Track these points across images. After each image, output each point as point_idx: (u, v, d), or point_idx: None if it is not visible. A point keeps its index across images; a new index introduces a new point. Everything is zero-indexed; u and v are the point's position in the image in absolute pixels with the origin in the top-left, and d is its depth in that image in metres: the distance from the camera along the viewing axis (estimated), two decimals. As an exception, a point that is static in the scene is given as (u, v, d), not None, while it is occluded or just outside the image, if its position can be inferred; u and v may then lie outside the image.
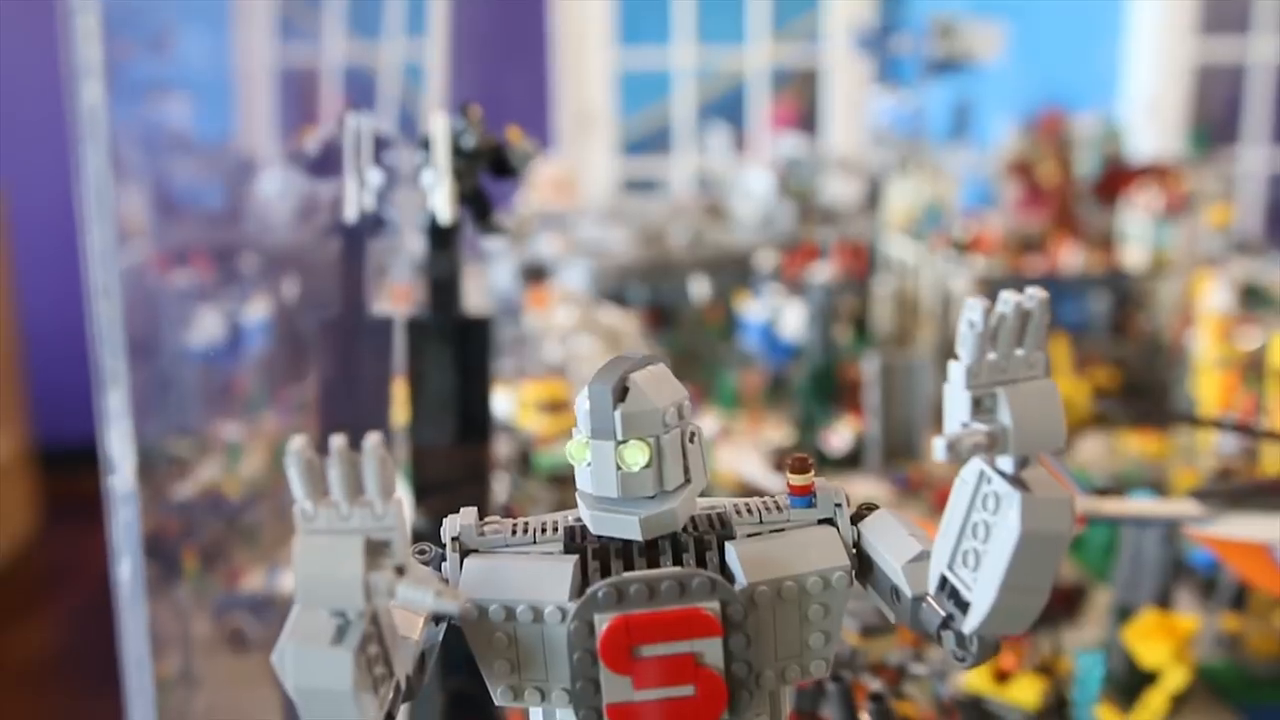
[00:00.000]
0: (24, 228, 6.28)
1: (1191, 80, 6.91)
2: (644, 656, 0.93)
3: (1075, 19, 6.59)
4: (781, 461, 2.33)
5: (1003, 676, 2.00)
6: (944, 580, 0.94)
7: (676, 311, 3.94)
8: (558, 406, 2.98)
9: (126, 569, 0.75)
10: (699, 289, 3.87)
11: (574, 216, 4.30)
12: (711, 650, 0.94)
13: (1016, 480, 0.87)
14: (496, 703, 0.99)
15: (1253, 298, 3.43)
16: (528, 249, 4.01)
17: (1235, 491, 1.66)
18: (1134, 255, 3.68)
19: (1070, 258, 3.69)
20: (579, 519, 1.02)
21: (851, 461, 3.08)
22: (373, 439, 0.82)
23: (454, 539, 1.01)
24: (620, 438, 0.95)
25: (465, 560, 1.00)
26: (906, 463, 3.05)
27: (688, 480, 0.99)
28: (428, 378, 1.82)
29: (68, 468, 6.51)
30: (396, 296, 3.54)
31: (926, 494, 2.90)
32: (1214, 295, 2.87)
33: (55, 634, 5.24)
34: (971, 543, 0.90)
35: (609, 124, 6.67)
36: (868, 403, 3.08)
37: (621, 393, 0.96)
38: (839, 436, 3.03)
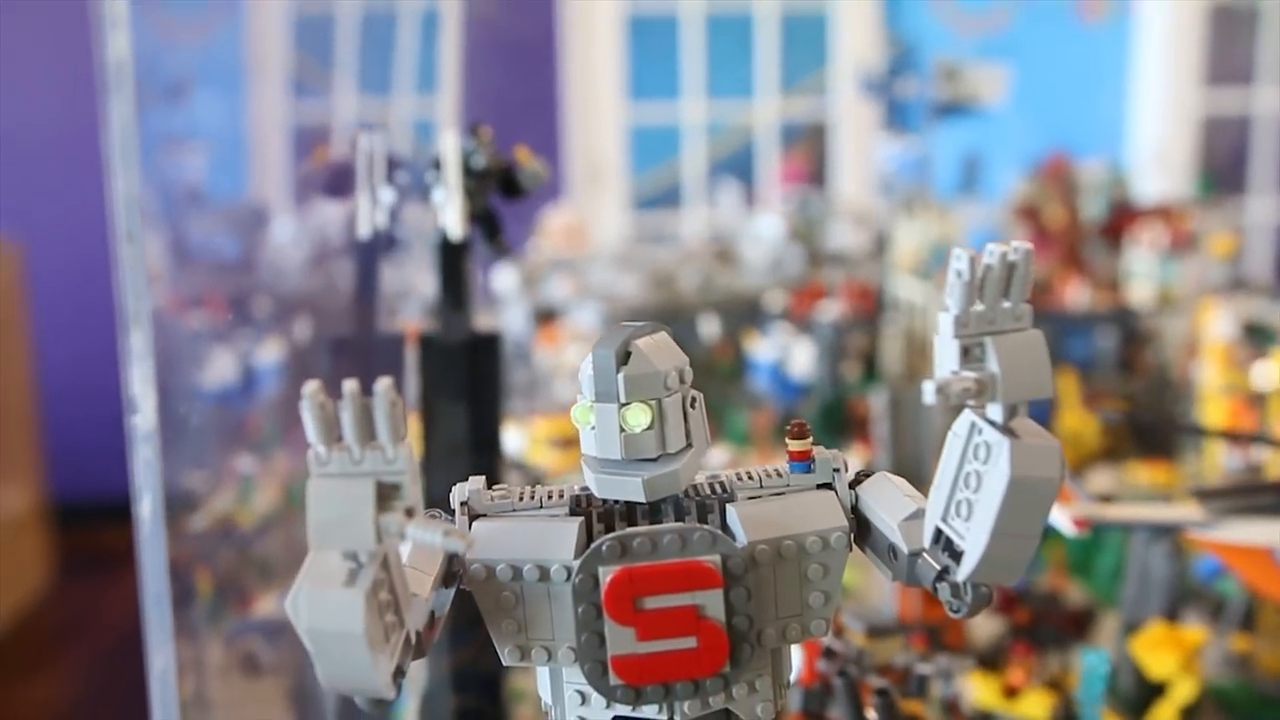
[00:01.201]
0: (41, 284, 6.34)
1: (1198, 131, 6.96)
2: (647, 608, 0.95)
3: (1080, 68, 6.66)
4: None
5: (1012, 692, 2.01)
6: (939, 533, 0.96)
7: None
8: (569, 442, 3.01)
9: (147, 506, 0.78)
10: (708, 328, 3.90)
11: (584, 262, 4.35)
12: (713, 603, 0.96)
13: (1006, 429, 0.90)
14: (505, 663, 1.02)
15: (1256, 335, 3.45)
16: (539, 292, 4.05)
17: (1235, 490, 1.68)
18: (1140, 292, 3.71)
19: (1077, 295, 3.72)
20: (584, 488, 1.05)
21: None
22: (383, 383, 0.85)
23: (463, 504, 1.04)
24: (623, 400, 0.98)
25: (473, 523, 1.03)
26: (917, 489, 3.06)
27: (690, 444, 1.02)
28: (438, 393, 1.85)
29: (82, 522, 6.53)
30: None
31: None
32: (1219, 324, 2.90)
33: (69, 687, 5.23)
34: (964, 493, 0.93)
35: (619, 177, 6.74)
36: (877, 435, 3.10)
37: (625, 356, 0.99)
38: (850, 463, 3.05)
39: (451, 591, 1.04)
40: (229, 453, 3.15)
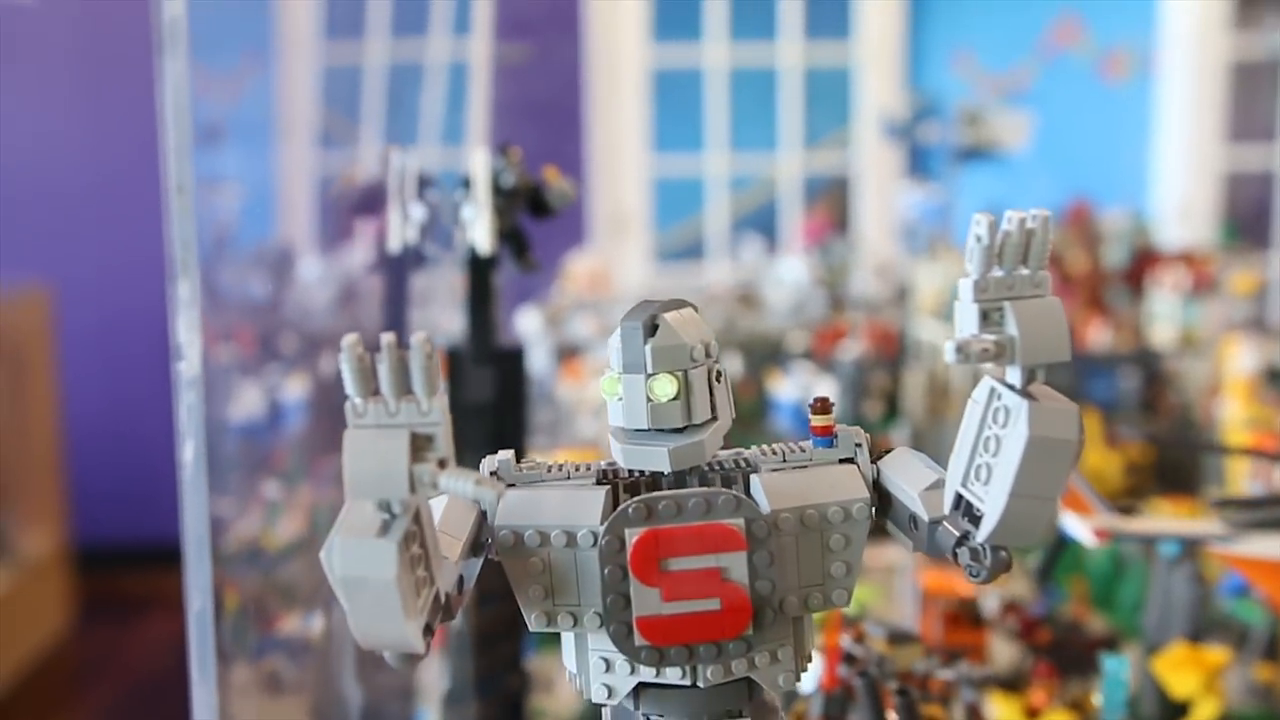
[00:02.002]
0: (70, 328, 6.39)
1: (1221, 186, 6.99)
2: (672, 570, 0.97)
3: (1102, 123, 6.70)
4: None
5: (1033, 713, 2.01)
6: (958, 499, 0.98)
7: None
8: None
9: (190, 451, 0.81)
10: (731, 367, 3.92)
11: (608, 304, 4.38)
12: (736, 565, 0.98)
13: (1025, 393, 0.92)
14: (531, 629, 1.03)
15: (1276, 380, 3.45)
16: (563, 332, 4.08)
17: (1256, 500, 1.69)
18: (1162, 334, 3.72)
19: (1099, 336, 3.73)
20: (610, 462, 1.07)
21: (880, 529, 3.09)
22: (419, 336, 0.87)
23: (492, 473, 1.06)
24: (650, 370, 1.01)
25: (503, 494, 1.05)
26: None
27: (715, 417, 1.04)
28: (464, 405, 1.88)
29: (105, 566, 6.56)
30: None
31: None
32: (1241, 359, 2.91)
33: (88, 731, 5.26)
34: (984, 458, 0.95)
35: (643, 229, 6.79)
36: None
37: (652, 329, 1.01)
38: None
39: (479, 561, 1.06)
40: (255, 481, 3.18)
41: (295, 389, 3.60)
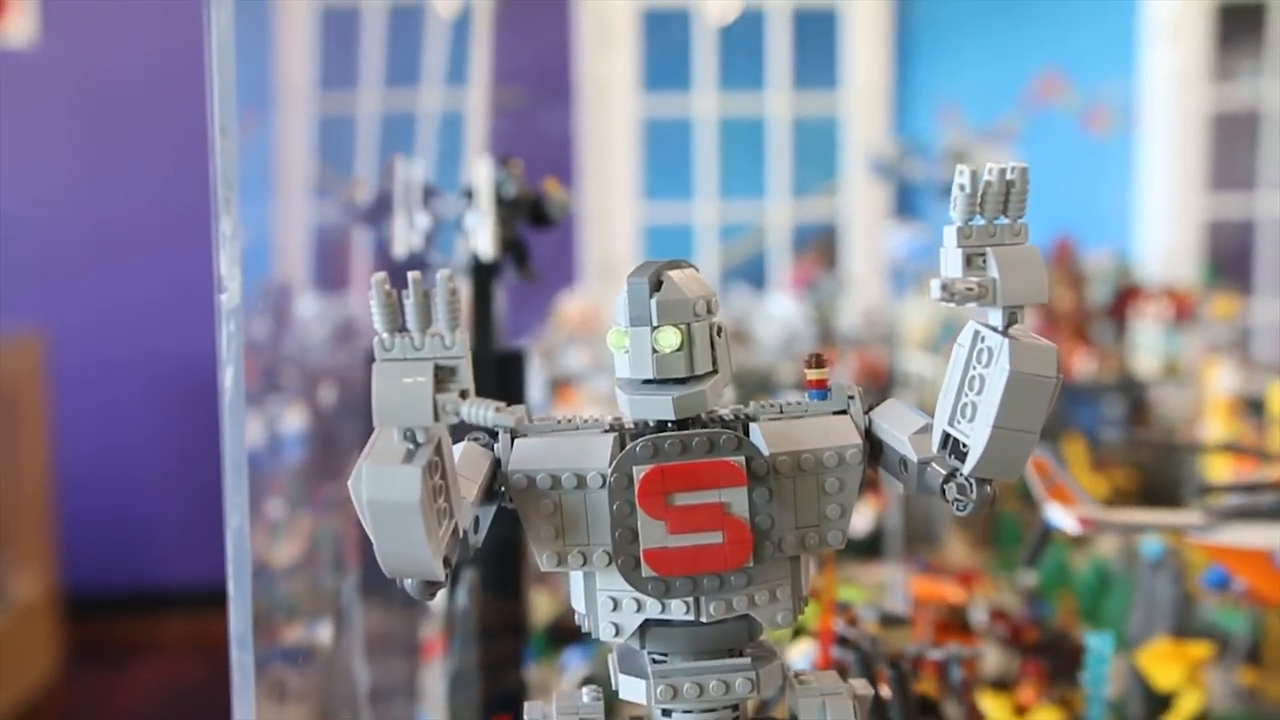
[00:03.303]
0: (62, 374, 6.41)
1: (1203, 234, 7.10)
2: (677, 504, 1.04)
3: (1086, 173, 6.79)
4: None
5: (1021, 711, 2.07)
6: (946, 438, 1.04)
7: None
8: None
9: (229, 377, 0.87)
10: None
11: (600, 340, 4.45)
12: (738, 500, 1.04)
13: (1006, 334, 0.99)
14: (543, 569, 1.09)
15: (1255, 410, 3.52)
16: (556, 364, 4.14)
17: (1238, 486, 1.76)
18: (1145, 363, 3.79)
19: (1084, 366, 3.81)
20: (616, 417, 1.14)
21: (872, 548, 3.15)
22: (443, 273, 0.94)
23: None
24: (655, 323, 1.08)
25: (515, 441, 1.12)
26: (928, 548, 3.12)
27: (715, 370, 1.11)
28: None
29: (94, 613, 6.55)
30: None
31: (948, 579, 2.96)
32: (1222, 380, 2.98)
33: (74, 777, 5.26)
34: (969, 396, 1.01)
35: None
36: (889, 493, 3.16)
37: (657, 284, 1.08)
38: (860, 517, 3.11)
39: (493, 510, 1.12)
40: (258, 502, 3.23)
41: (294, 420, 3.65)
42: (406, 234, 1.94)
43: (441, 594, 1.70)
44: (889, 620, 1.71)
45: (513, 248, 2.06)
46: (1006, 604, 2.56)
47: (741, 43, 7.06)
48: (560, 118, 6.71)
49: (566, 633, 2.51)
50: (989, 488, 1.02)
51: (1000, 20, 6.83)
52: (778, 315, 4.60)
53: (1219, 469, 2.89)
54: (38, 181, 6.65)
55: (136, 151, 6.69)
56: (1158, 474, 3.62)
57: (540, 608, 2.55)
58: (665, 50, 7.11)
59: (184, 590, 6.82)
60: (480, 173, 1.96)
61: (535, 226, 2.08)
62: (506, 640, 1.96)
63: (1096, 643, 1.61)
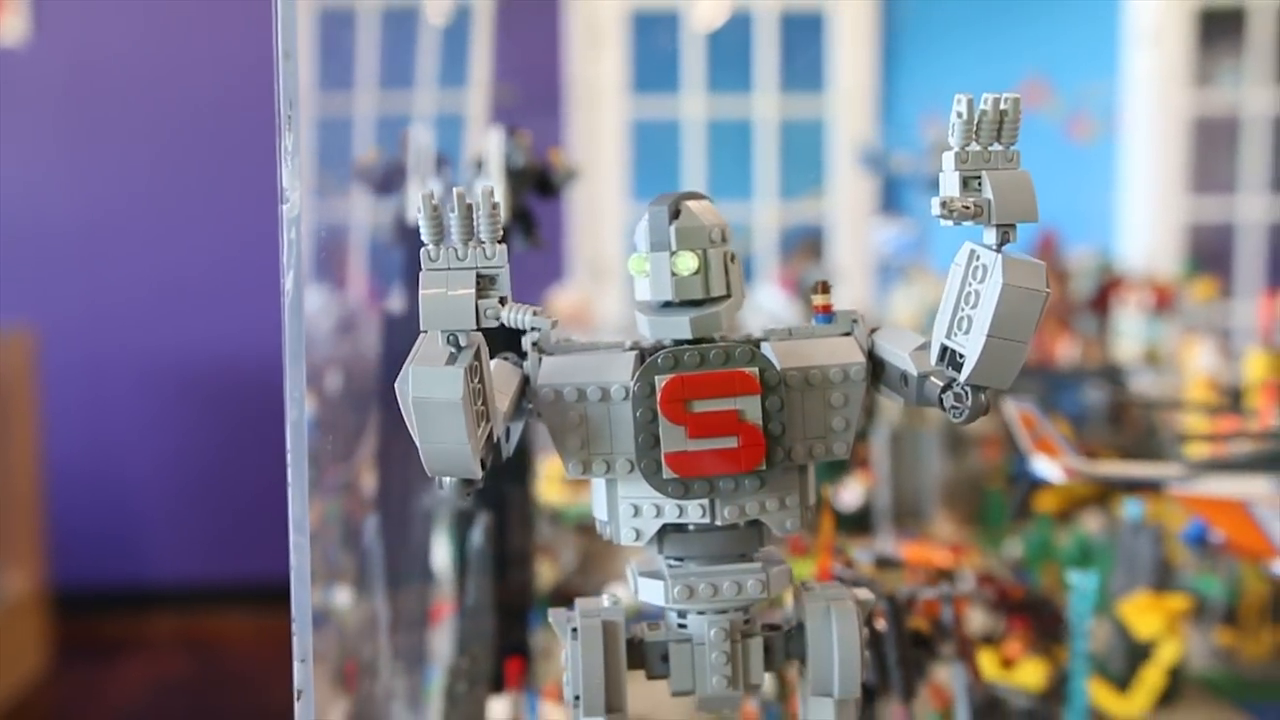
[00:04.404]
0: (53, 369, 6.44)
1: (1185, 236, 7.22)
2: (695, 411, 1.12)
3: (1070, 179, 6.89)
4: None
5: (1008, 663, 2.15)
6: (944, 351, 1.12)
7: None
8: (577, 480, 3.17)
9: (290, 281, 0.94)
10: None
11: (593, 332, 4.53)
12: (751, 407, 1.13)
13: (1000, 251, 1.07)
14: (569, 476, 1.18)
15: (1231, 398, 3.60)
16: (550, 352, 4.21)
17: (1221, 435, 1.85)
18: (1127, 350, 3.88)
19: (1067, 352, 3.89)
20: (635, 341, 1.22)
21: (861, 524, 3.22)
22: (485, 189, 1.02)
23: (534, 344, 1.21)
24: (674, 248, 1.16)
25: (543, 359, 1.20)
26: (916, 524, 3.20)
27: (729, 294, 1.19)
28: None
29: (83, 610, 6.58)
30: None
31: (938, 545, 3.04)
32: (1201, 359, 3.07)
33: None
34: (965, 310, 1.09)
35: (622, 273, 6.95)
36: (877, 471, 3.24)
37: (675, 212, 1.17)
38: (850, 492, 3.19)
39: (522, 423, 1.20)
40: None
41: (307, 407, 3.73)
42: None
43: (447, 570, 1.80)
44: (884, 562, 1.80)
45: (520, 216, 2.14)
46: (993, 570, 2.65)
47: (729, 45, 7.16)
48: (550, 118, 6.79)
49: (565, 600, 2.60)
50: (983, 396, 1.10)
51: (984, 25, 6.94)
52: (766, 306, 4.67)
53: (1199, 446, 2.97)
54: (28, 178, 6.71)
55: (126, 149, 6.74)
56: (1141, 457, 3.71)
57: (542, 575, 2.63)
58: (654, 52, 7.20)
59: (173, 587, 6.87)
60: (491, 142, 2.04)
61: (541, 196, 2.16)
62: (513, 599, 2.05)
63: (1081, 580, 1.69)
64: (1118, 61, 7.33)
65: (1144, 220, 7.29)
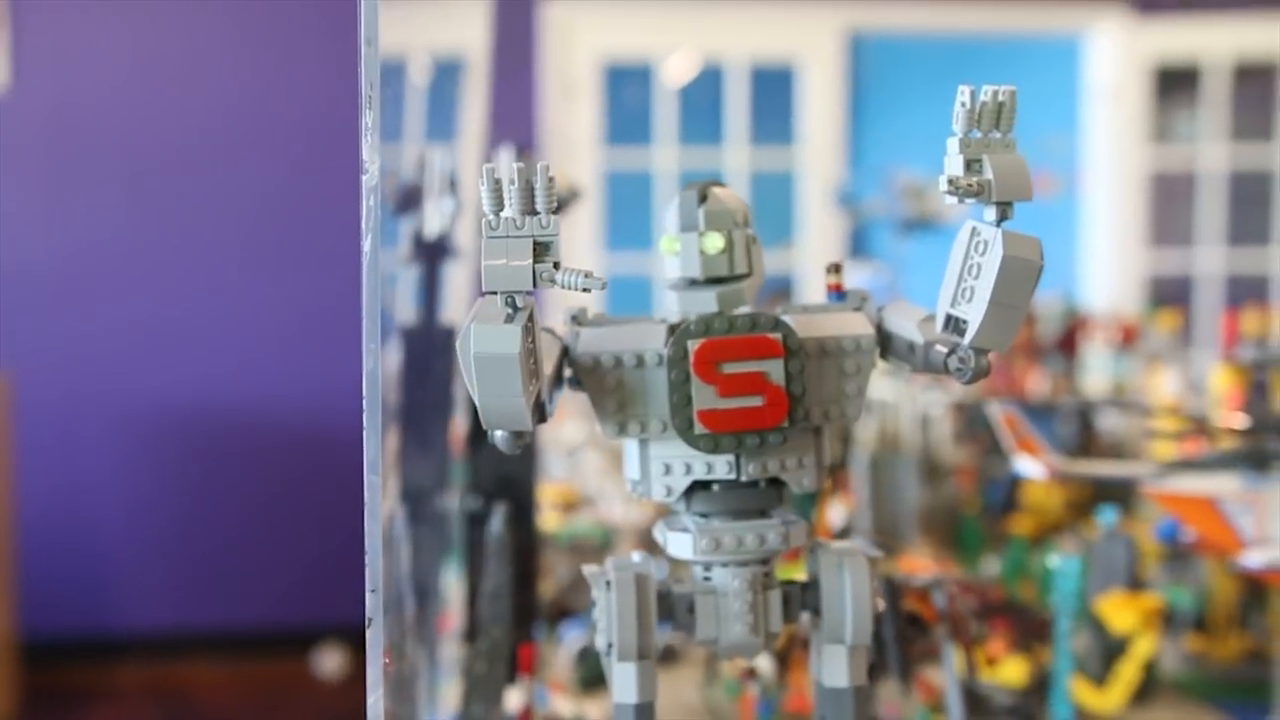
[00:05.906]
0: (26, 414, 6.43)
1: (1145, 288, 7.41)
2: (725, 372, 1.23)
3: (1036, 229, 7.06)
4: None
5: (991, 662, 2.26)
6: (948, 319, 1.24)
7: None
8: (569, 507, 3.26)
9: (368, 244, 1.03)
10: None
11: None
12: (775, 370, 1.24)
13: (999, 227, 1.19)
14: (606, 438, 1.28)
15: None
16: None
17: (1194, 428, 1.97)
18: (1094, 385, 4.01)
19: (1037, 385, 4.03)
20: (663, 319, 1.34)
21: (844, 546, 3.31)
22: (542, 163, 1.13)
23: (573, 318, 1.33)
24: (702, 229, 1.29)
25: (581, 330, 1.31)
26: (896, 548, 3.30)
27: (751, 273, 1.31)
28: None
29: (52, 660, 6.55)
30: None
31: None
32: (1166, 384, 3.20)
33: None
34: (968, 281, 1.21)
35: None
36: (858, 497, 3.35)
37: (703, 197, 1.30)
38: (834, 511, 3.29)
39: (561, 391, 1.31)
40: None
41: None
42: (438, 216, 2.13)
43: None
44: (879, 548, 1.89)
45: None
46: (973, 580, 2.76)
47: (700, 98, 7.33)
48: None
49: (562, 612, 2.72)
50: (985, 360, 1.22)
51: (949, 79, 7.10)
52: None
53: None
54: (2, 222, 6.75)
55: (101, 193, 6.80)
56: (1111, 484, 3.83)
57: (541, 592, 2.72)
58: (626, 105, 7.36)
59: (142, 636, 6.84)
60: (501, 162, 2.15)
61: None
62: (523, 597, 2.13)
63: (1063, 564, 1.79)
64: (1077, 117, 7.55)
65: (1106, 271, 7.48)
